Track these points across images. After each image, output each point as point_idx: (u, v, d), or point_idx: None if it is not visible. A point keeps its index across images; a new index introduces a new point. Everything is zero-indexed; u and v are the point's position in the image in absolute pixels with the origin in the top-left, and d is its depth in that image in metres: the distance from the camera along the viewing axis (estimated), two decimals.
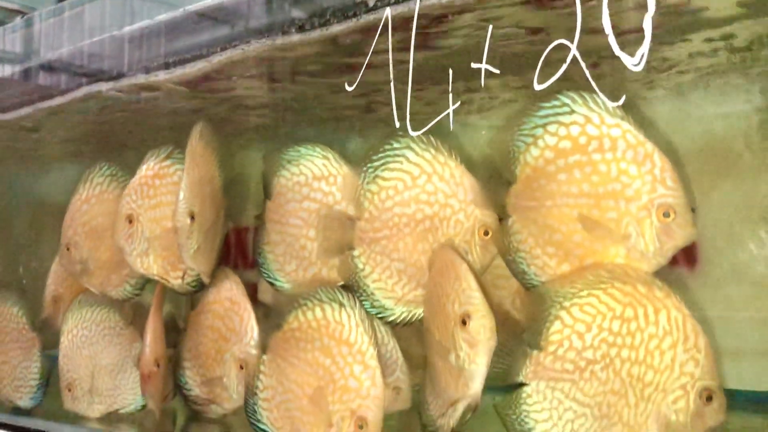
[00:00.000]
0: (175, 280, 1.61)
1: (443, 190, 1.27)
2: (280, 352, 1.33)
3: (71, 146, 2.50)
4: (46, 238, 2.40)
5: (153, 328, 1.59)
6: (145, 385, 1.60)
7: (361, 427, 1.21)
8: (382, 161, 1.29)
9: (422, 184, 1.27)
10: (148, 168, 1.64)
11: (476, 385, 1.12)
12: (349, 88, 1.32)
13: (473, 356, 1.11)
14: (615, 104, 1.12)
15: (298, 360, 1.29)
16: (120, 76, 1.70)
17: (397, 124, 1.23)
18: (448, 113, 1.21)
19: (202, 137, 1.54)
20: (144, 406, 1.71)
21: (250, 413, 1.34)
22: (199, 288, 1.59)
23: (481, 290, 1.14)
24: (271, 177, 1.51)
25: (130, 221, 1.61)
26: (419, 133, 1.23)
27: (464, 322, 1.12)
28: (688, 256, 1.54)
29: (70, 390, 1.78)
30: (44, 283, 1.97)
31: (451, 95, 1.21)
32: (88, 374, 1.76)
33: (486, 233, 1.26)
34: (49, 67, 1.86)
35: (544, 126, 1.17)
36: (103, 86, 1.74)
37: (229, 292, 1.57)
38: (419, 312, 1.33)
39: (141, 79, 1.65)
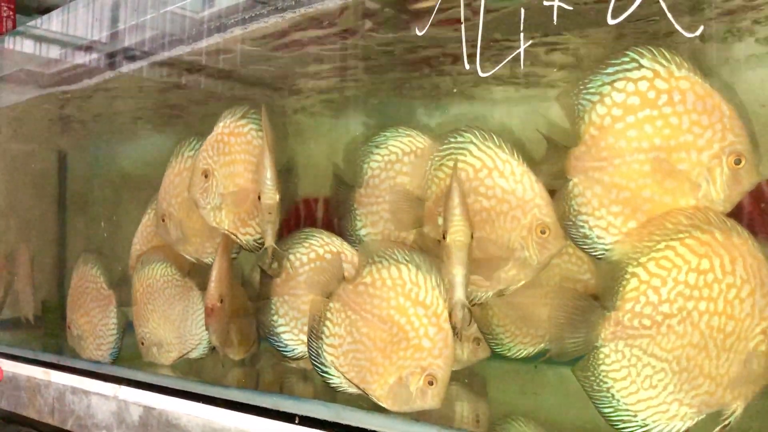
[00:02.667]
0: (244, 236, 1.62)
1: (502, 186, 1.29)
2: (350, 303, 1.35)
3: (147, 114, 2.57)
4: (124, 204, 2.50)
5: (219, 266, 1.63)
6: (208, 320, 1.64)
7: (431, 383, 1.25)
8: (448, 152, 1.33)
9: (483, 177, 1.30)
10: (224, 126, 1.65)
11: (458, 293, 1.22)
12: (419, 32, 1.32)
13: (449, 267, 1.21)
14: (692, 35, 1.10)
15: (371, 315, 1.32)
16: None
17: (467, 66, 1.23)
18: (519, 53, 1.20)
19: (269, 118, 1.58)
20: (213, 349, 1.74)
21: (314, 356, 1.37)
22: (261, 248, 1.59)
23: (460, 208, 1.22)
24: (360, 166, 1.55)
25: (206, 176, 1.63)
26: (489, 74, 1.23)
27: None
28: None
29: (143, 343, 1.87)
30: (120, 244, 2.07)
31: (522, 35, 1.21)
32: (155, 326, 1.84)
33: (543, 231, 1.27)
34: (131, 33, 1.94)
35: (611, 83, 1.17)
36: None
37: (328, 245, 1.57)
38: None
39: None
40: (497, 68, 1.24)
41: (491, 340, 1.50)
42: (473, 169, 1.31)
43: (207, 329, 1.67)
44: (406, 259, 1.32)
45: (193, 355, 1.83)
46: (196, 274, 1.81)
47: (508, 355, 1.49)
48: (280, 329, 1.59)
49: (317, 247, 1.56)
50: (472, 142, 1.31)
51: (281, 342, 1.58)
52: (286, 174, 1.61)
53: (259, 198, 1.51)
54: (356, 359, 1.34)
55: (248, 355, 1.83)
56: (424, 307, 1.27)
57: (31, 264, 2.67)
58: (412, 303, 1.28)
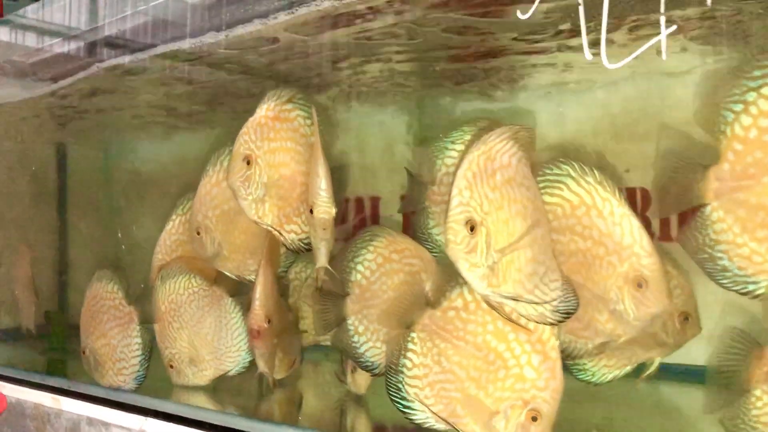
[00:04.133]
0: (289, 234, 1.49)
1: (599, 227, 1.22)
2: (438, 331, 1.26)
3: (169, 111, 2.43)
4: (144, 210, 2.42)
5: (263, 280, 1.52)
6: (254, 343, 1.53)
7: (534, 419, 1.15)
8: (543, 185, 1.25)
9: (580, 215, 1.23)
10: (268, 108, 1.49)
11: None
12: (522, 16, 1.18)
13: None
14: None
15: (464, 342, 1.23)
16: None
17: (589, 57, 1.07)
18: (659, 40, 1.02)
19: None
20: (251, 363, 1.66)
21: (393, 391, 1.28)
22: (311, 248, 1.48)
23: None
24: (434, 163, 1.48)
25: (248, 162, 1.46)
26: (619, 65, 1.06)
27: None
28: None
29: (172, 366, 1.76)
30: (140, 256, 1.95)
31: (663, 17, 1.02)
32: (184, 345, 1.73)
33: (640, 285, 1.19)
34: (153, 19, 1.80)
35: (757, 89, 1.06)
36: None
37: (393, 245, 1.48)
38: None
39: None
40: (629, 59, 1.06)
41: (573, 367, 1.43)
42: (570, 206, 1.23)
43: (253, 353, 1.56)
44: None
45: (232, 372, 1.72)
46: (225, 279, 1.69)
47: (592, 380, 1.41)
48: (362, 348, 1.50)
49: (382, 249, 1.48)
50: (569, 175, 1.23)
51: (368, 361, 1.50)
52: (337, 173, 1.50)
53: (311, 211, 1.39)
54: (445, 390, 1.24)
55: (290, 373, 1.73)
56: (527, 333, 1.17)
57: (31, 268, 2.52)
58: (512, 328, 1.18)
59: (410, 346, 1.28)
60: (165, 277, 1.73)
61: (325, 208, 1.38)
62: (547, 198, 1.24)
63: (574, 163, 1.23)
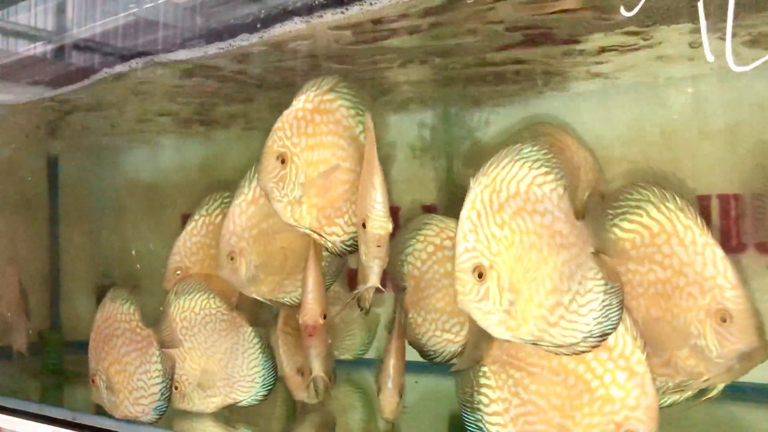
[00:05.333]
0: (331, 237, 1.40)
1: (680, 256, 1.18)
2: (510, 361, 1.20)
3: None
4: (156, 221, 2.37)
5: (314, 276, 1.45)
6: (309, 342, 1.44)
7: None
8: (623, 210, 1.22)
9: (660, 243, 1.20)
10: (306, 100, 1.38)
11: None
12: (627, 14, 1.11)
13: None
14: None
15: (539, 368, 1.16)
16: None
17: (710, 58, 1.02)
18: None
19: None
20: (264, 397, 1.62)
21: (474, 430, 1.21)
22: (354, 250, 1.42)
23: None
24: None
25: (283, 161, 1.36)
26: (747, 68, 1.01)
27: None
28: None
29: (176, 388, 1.65)
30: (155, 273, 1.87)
31: None
32: (194, 367, 1.64)
33: (724, 320, 1.15)
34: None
35: None
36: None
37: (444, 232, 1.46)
38: None
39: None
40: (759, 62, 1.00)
41: None
42: (649, 233, 1.20)
43: (306, 354, 1.47)
44: None
45: (244, 402, 1.63)
46: (246, 306, 1.63)
47: None
48: (424, 339, 1.48)
49: (433, 238, 1.46)
50: (650, 201, 1.20)
51: (430, 351, 1.48)
52: None
53: (363, 225, 1.30)
54: (529, 424, 1.17)
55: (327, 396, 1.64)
56: (607, 350, 1.09)
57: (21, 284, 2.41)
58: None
59: (483, 381, 1.22)
60: (180, 293, 1.63)
61: (381, 223, 1.28)
62: (625, 224, 1.21)
63: (654, 188, 1.19)
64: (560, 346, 1.07)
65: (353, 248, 1.41)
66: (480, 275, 1.05)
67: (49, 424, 1.65)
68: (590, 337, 1.07)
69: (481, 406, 1.21)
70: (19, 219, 2.67)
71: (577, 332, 1.07)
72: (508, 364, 1.20)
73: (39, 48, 2.02)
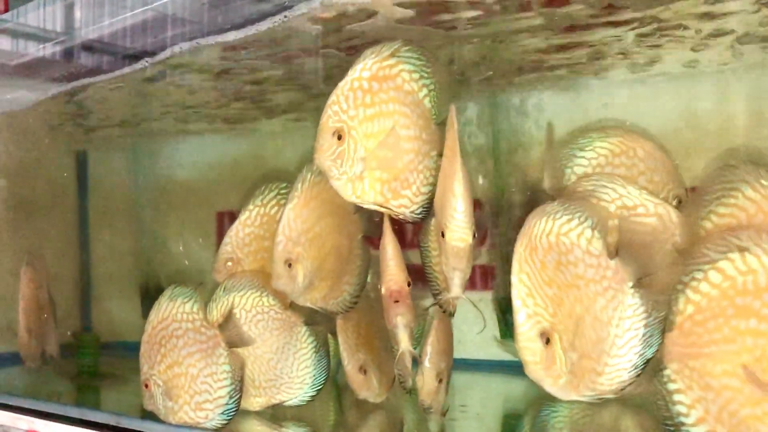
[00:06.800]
0: (399, 209, 1.34)
1: None
2: (686, 351, 1.10)
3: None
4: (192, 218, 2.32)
5: (393, 244, 1.36)
6: (397, 310, 1.33)
7: None
8: (718, 194, 1.16)
9: (759, 224, 1.14)
10: (364, 68, 1.29)
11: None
12: None
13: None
14: None
15: (715, 344, 1.06)
16: None
17: None
18: None
19: None
20: (312, 398, 1.59)
21: None
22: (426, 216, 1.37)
23: None
24: (562, 171, 1.37)
25: (339, 137, 1.29)
26: None
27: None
28: None
29: None
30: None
31: None
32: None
33: None
34: None
35: None
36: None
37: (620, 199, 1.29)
38: None
39: None
40: None
41: None
42: (746, 215, 1.14)
43: (392, 325, 1.35)
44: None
45: (292, 402, 1.59)
46: (300, 308, 1.58)
47: None
48: None
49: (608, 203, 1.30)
50: (744, 180, 1.13)
51: None
52: None
53: (442, 235, 1.22)
54: (731, 414, 1.04)
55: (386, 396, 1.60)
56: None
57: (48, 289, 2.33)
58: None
59: (671, 386, 1.10)
60: (230, 289, 1.58)
61: (460, 235, 1.18)
62: (721, 209, 1.14)
63: (750, 167, 1.13)
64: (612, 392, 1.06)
65: (425, 214, 1.35)
66: (547, 341, 1.04)
67: (90, 428, 1.55)
68: (634, 370, 1.06)
69: (683, 419, 1.09)
70: (47, 219, 2.60)
71: (622, 371, 1.06)
72: (685, 356, 1.10)
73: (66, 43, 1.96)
